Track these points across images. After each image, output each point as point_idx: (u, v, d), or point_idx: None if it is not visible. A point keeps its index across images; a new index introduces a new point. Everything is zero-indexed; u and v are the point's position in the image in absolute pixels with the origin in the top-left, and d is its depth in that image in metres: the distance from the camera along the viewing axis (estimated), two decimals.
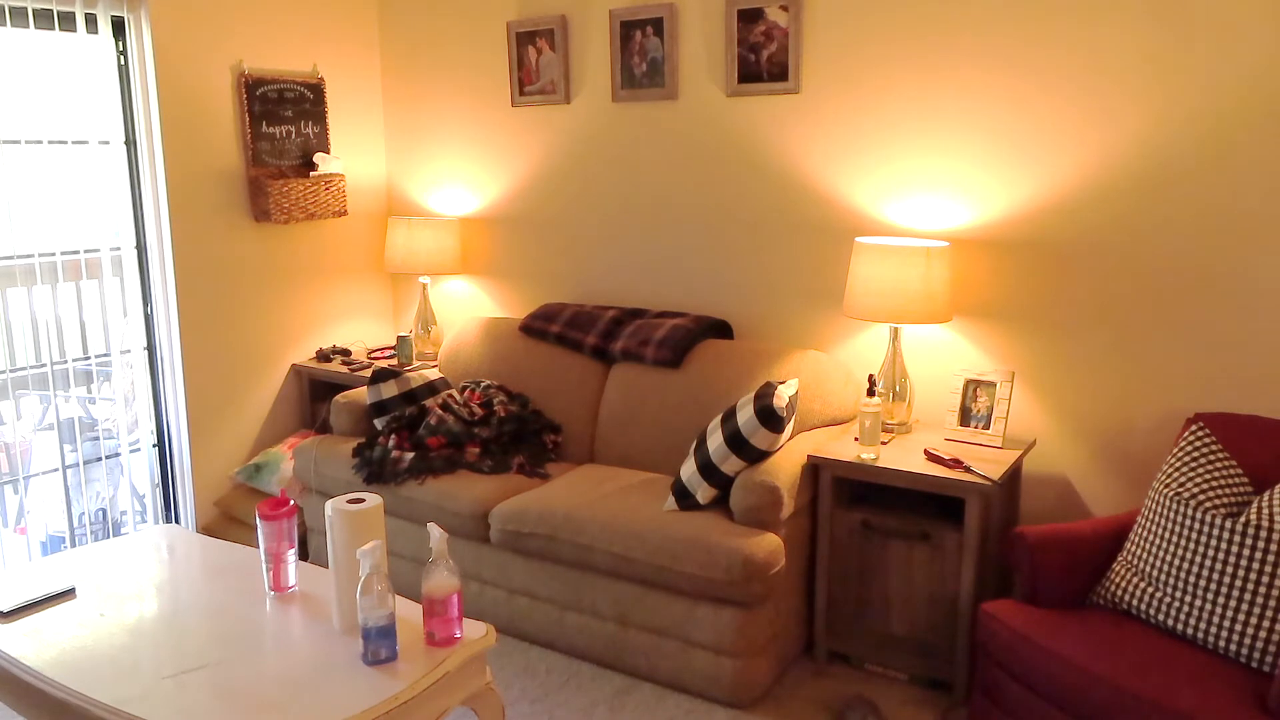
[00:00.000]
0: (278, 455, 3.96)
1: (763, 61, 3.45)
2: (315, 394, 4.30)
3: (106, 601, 2.42)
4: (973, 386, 3.09)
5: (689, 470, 3.03)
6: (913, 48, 3.18)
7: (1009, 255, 3.13)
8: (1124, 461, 3.03)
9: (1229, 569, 2.27)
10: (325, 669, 2.08)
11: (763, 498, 2.84)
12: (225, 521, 3.95)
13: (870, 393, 2.97)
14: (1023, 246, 3.11)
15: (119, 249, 3.70)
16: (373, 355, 4.35)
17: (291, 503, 2.44)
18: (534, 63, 3.99)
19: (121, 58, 3.63)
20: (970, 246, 3.20)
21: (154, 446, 3.90)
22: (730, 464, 2.95)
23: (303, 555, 3.74)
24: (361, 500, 2.21)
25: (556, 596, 3.12)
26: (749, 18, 3.44)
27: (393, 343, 4.67)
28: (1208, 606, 2.29)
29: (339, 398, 3.85)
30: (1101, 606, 2.53)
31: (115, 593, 2.47)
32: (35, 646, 2.21)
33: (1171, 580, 2.37)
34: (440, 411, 3.58)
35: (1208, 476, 2.43)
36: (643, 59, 3.71)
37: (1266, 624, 2.20)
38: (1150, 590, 2.42)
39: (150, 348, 3.84)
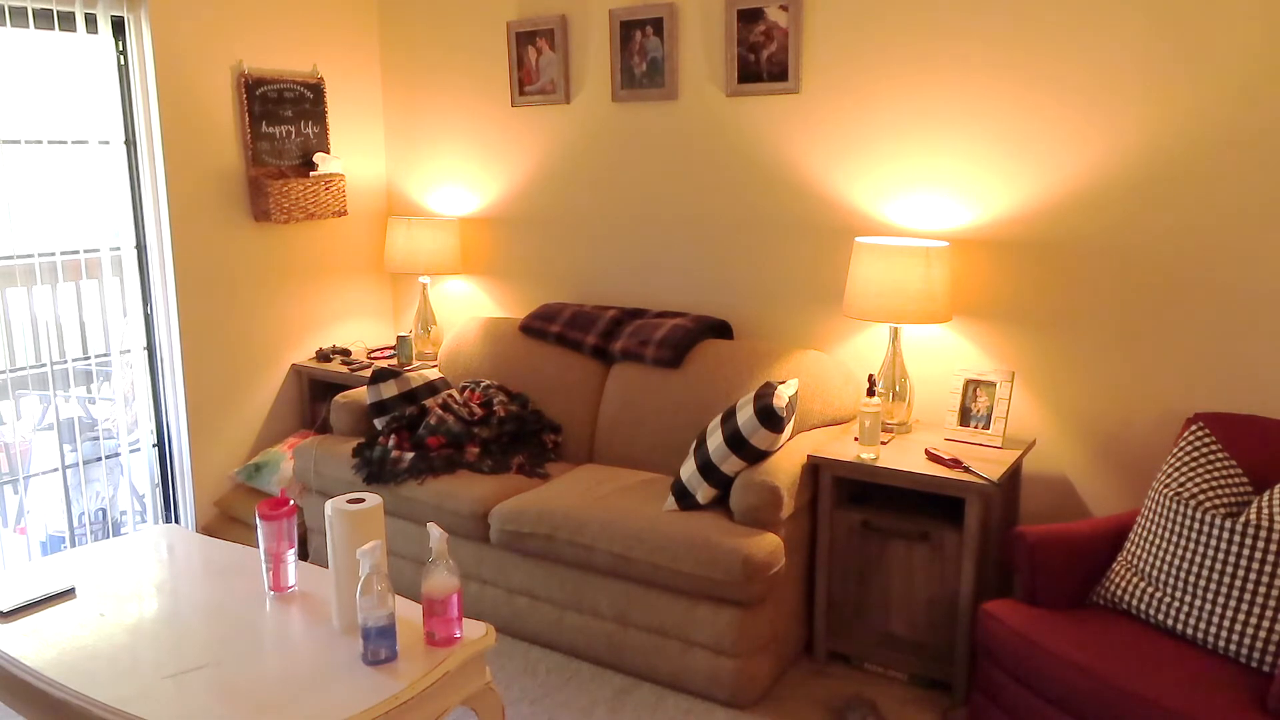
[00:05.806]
0: (278, 455, 3.95)
1: (762, 61, 3.45)
2: (315, 394, 4.30)
3: (106, 601, 2.42)
4: (973, 386, 3.09)
5: (689, 470, 3.03)
6: (912, 48, 3.18)
7: (1009, 255, 3.14)
8: (1124, 461, 3.03)
9: (1229, 569, 2.27)
10: (325, 669, 2.08)
11: (763, 498, 2.84)
12: (225, 521, 3.95)
13: (870, 393, 2.97)
14: (1023, 246, 3.11)
15: (119, 249, 3.70)
16: (373, 355, 4.35)
17: (291, 503, 2.44)
18: (534, 63, 3.99)
19: (121, 58, 3.63)
20: (970, 246, 3.20)
21: (154, 446, 3.90)
22: (730, 464, 2.95)
23: (303, 555, 3.74)
24: (361, 500, 2.21)
25: (556, 596, 3.12)
26: (749, 18, 3.44)
27: (393, 343, 4.67)
28: (1207, 606, 2.29)
29: (339, 398, 3.85)
30: (1101, 606, 2.53)
31: (115, 593, 2.47)
32: (35, 646, 2.21)
33: (1171, 580, 2.37)
34: (440, 411, 3.58)
35: (1208, 476, 2.43)
36: (643, 59, 3.71)
37: (1266, 624, 2.20)
38: (1150, 590, 2.42)
39: (150, 348, 3.84)
